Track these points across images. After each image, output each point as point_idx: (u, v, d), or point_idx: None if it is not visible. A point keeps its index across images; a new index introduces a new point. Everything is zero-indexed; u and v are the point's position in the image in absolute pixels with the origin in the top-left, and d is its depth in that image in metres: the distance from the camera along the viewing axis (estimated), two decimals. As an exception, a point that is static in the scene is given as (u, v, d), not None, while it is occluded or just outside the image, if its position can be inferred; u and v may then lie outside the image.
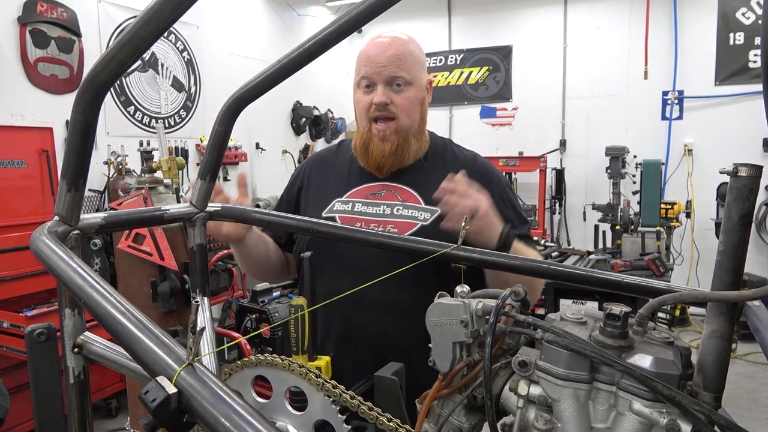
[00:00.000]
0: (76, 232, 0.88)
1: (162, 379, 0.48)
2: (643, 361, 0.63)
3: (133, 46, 0.75)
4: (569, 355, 0.64)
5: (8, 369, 3.29)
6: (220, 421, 0.44)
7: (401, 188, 1.46)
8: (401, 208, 1.43)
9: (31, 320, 3.07)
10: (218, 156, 1.12)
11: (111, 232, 2.03)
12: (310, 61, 1.06)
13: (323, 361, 1.24)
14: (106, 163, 4.31)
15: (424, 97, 1.48)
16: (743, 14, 5.87)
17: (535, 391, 0.68)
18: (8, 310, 3.31)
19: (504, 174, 1.61)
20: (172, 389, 0.47)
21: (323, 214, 1.46)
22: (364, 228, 1.39)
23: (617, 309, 0.65)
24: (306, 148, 6.95)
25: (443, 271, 1.26)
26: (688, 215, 5.74)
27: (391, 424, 0.86)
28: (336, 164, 1.55)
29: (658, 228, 4.37)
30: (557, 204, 6.62)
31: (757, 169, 0.66)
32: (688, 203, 5.78)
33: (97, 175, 4.43)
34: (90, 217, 0.92)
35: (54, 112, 4.12)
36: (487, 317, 0.73)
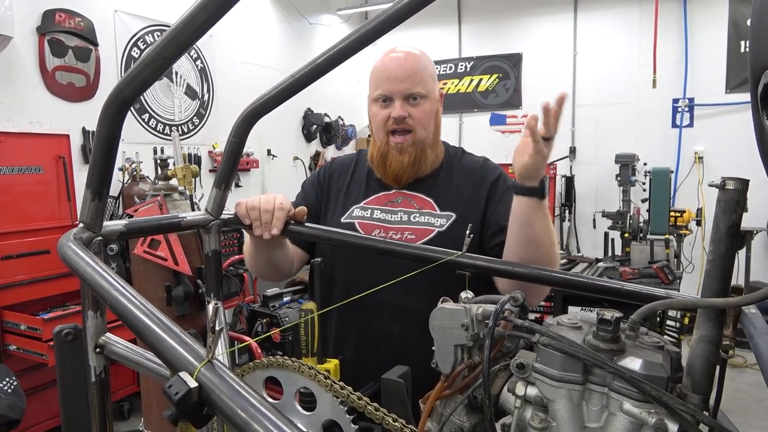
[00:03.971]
0: (100, 238, 0.93)
1: (184, 375, 0.52)
2: (633, 363, 0.66)
3: (156, 66, 0.80)
4: (563, 358, 0.68)
5: (25, 370, 3.36)
6: (237, 413, 0.48)
7: (417, 196, 1.50)
8: (417, 215, 1.47)
9: (48, 323, 3.14)
10: (233, 166, 1.17)
11: (131, 238, 2.09)
12: (321, 76, 1.11)
13: (332, 363, 1.28)
14: (120, 169, 4.39)
15: (438, 108, 1.52)
16: (754, 22, 5.85)
17: (532, 391, 0.71)
18: (24, 313, 3.39)
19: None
20: (193, 383, 0.51)
21: (342, 220, 1.50)
22: (383, 234, 1.44)
23: (609, 314, 0.68)
24: (317, 155, 7.01)
25: (457, 277, 1.30)
26: (698, 223, 5.72)
27: (396, 424, 0.90)
28: (356, 172, 1.59)
29: (667, 236, 4.36)
30: (567, 211, 6.63)
31: (744, 183, 0.69)
32: (699, 211, 5.76)
33: (112, 183, 4.52)
34: (112, 224, 0.97)
35: (71, 119, 4.21)
36: (486, 321, 0.77)
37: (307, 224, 1.28)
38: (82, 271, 0.77)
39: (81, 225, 0.91)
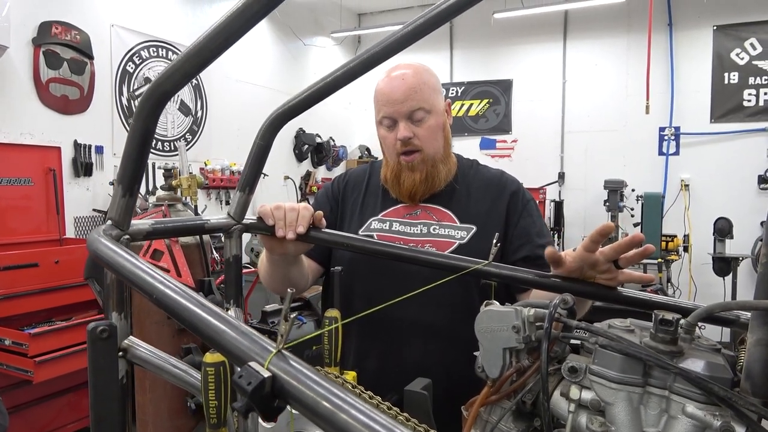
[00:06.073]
0: (127, 236, 0.90)
1: (255, 365, 0.50)
2: (696, 365, 0.65)
3: (201, 59, 0.78)
4: (623, 359, 0.66)
5: (7, 388, 3.23)
6: (320, 403, 0.45)
7: (435, 208, 1.48)
8: (437, 227, 1.45)
9: (35, 338, 3.04)
10: (258, 169, 1.15)
11: (157, 238, 2.02)
12: (344, 85, 1.10)
13: (350, 375, 1.25)
14: (112, 183, 4.33)
15: (445, 121, 1.50)
16: (737, 55, 6.05)
17: (587, 395, 0.70)
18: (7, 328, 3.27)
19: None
20: (266, 373, 0.49)
21: (360, 233, 1.47)
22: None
23: (669, 315, 0.67)
24: (308, 175, 7.00)
25: (482, 289, 1.28)
26: (685, 249, 5.80)
27: (428, 435, 0.88)
28: (370, 185, 1.57)
29: (659, 260, 4.41)
30: (556, 236, 6.67)
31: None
32: (686, 237, 5.84)
33: (101, 196, 4.45)
34: (139, 223, 0.94)
35: (63, 131, 4.16)
36: (538, 324, 0.75)
37: (326, 230, 1.26)
38: (120, 266, 0.74)
39: (109, 222, 0.88)
